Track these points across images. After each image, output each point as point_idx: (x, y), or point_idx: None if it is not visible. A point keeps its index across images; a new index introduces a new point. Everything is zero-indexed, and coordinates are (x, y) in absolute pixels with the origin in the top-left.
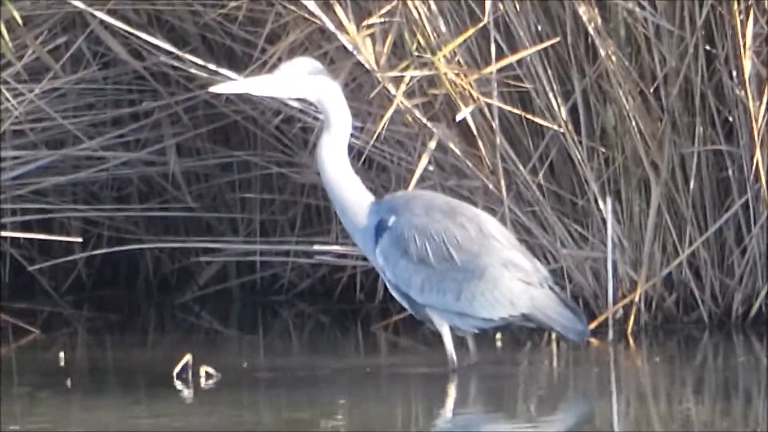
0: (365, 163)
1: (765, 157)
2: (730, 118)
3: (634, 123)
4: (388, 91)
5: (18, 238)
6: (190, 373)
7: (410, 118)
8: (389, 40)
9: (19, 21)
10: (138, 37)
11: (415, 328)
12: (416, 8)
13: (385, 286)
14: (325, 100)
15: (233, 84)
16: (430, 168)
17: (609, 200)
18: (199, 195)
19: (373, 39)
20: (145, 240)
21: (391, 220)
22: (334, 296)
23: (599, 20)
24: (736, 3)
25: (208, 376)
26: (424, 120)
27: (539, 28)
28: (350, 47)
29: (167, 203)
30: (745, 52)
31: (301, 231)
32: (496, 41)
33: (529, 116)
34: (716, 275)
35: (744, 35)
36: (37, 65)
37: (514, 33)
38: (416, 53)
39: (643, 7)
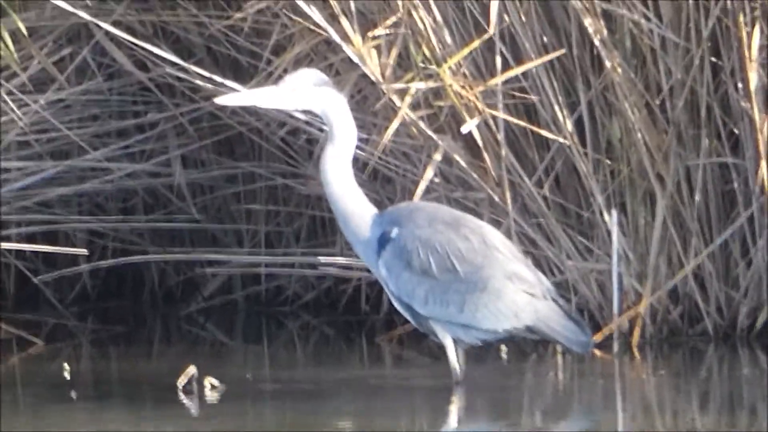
0: (370, 174)
1: None
2: (736, 131)
3: (639, 135)
4: (393, 102)
5: (23, 250)
6: (195, 385)
7: (415, 130)
8: (394, 51)
9: (24, 32)
10: (143, 49)
11: (420, 340)
12: (422, 20)
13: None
14: (330, 111)
15: (238, 95)
16: (436, 180)
17: (614, 212)
18: (204, 206)
19: (379, 51)
20: (150, 251)
21: (394, 231)
22: (339, 308)
23: (605, 32)
24: (742, 15)
25: (213, 387)
26: (430, 132)
27: (545, 39)
28: (355, 59)
29: (172, 215)
30: (751, 65)
31: (306, 242)
32: (501, 53)
33: (534, 128)
34: (721, 288)
35: (750, 47)
36: (42, 76)
37: (520, 45)
38: (421, 65)
39: (648, 19)
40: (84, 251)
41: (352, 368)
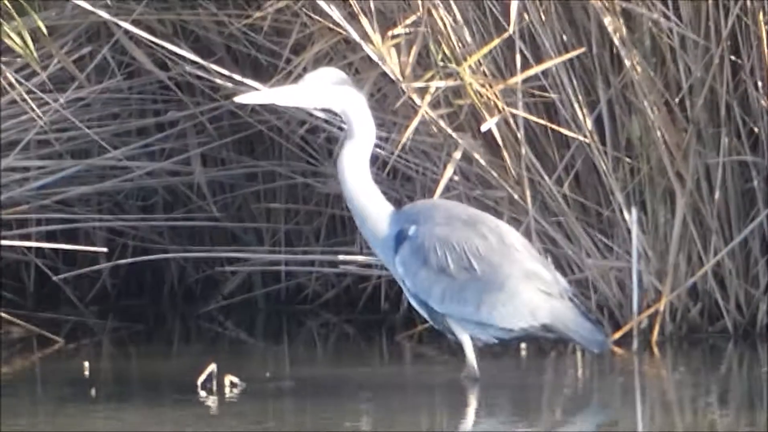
0: (390, 173)
1: None
2: (756, 129)
3: (659, 133)
4: (413, 101)
5: (43, 248)
6: (214, 383)
7: (435, 129)
8: (414, 50)
9: (44, 31)
10: (163, 47)
11: (440, 338)
12: (441, 18)
13: None
14: (349, 110)
15: (258, 94)
16: (455, 178)
17: (634, 210)
18: (224, 205)
19: (398, 49)
20: (170, 250)
21: (412, 229)
22: (358, 306)
23: (624, 31)
24: (761, 13)
25: (233, 385)
26: (449, 130)
27: (564, 38)
28: (375, 58)
29: (192, 213)
30: None
31: (326, 241)
32: (521, 51)
33: (554, 126)
34: (741, 285)
35: None
36: (62, 75)
37: (540, 43)
38: (441, 63)
39: (668, 18)
40: (104, 249)
41: (371, 366)
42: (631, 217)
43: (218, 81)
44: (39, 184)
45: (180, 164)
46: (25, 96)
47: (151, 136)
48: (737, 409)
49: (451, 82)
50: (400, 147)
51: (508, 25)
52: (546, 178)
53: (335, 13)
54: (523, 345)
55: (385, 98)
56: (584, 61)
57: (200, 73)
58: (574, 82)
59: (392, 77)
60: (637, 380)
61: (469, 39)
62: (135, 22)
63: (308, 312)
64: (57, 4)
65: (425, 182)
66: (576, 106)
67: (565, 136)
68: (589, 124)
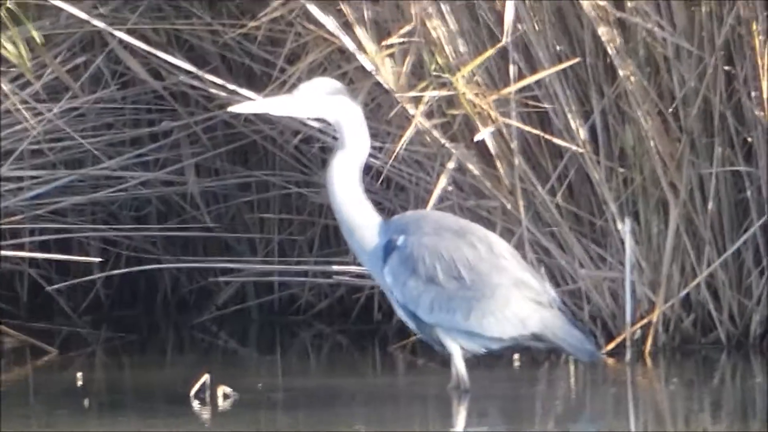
0: (384, 182)
1: None
2: (749, 139)
3: (652, 143)
4: (407, 111)
5: (36, 258)
6: (207, 393)
7: (429, 139)
8: (408, 60)
9: (38, 40)
10: (157, 57)
11: (432, 349)
12: (435, 29)
13: None
14: (343, 120)
15: (252, 104)
16: (449, 188)
17: (627, 221)
18: (218, 215)
19: (393, 59)
20: (164, 260)
21: (401, 239)
22: (351, 316)
23: (618, 40)
24: (755, 23)
25: (226, 396)
26: (443, 140)
27: (558, 48)
28: (369, 67)
29: (186, 223)
30: (764, 73)
31: (320, 251)
32: (515, 62)
33: (547, 137)
34: (734, 296)
35: (763, 55)
36: (56, 84)
37: (533, 53)
38: (435, 73)
39: (662, 28)
40: (97, 260)
41: (364, 377)
42: (625, 227)
43: (212, 91)
44: (33, 194)
45: (174, 174)
46: (19, 106)
47: (145, 146)
48: (730, 420)
49: (444, 92)
50: (393, 157)
51: (502, 35)
52: (539, 188)
53: (330, 23)
54: (516, 356)
55: (379, 108)
56: (578, 71)
57: (194, 82)
58: (568, 92)
59: (386, 87)
60: (630, 391)
61: (462, 49)
62: (129, 32)
63: (301, 322)
64: (51, 13)
65: (419, 192)
66: (569, 116)
67: (559, 146)
68: (582, 134)
